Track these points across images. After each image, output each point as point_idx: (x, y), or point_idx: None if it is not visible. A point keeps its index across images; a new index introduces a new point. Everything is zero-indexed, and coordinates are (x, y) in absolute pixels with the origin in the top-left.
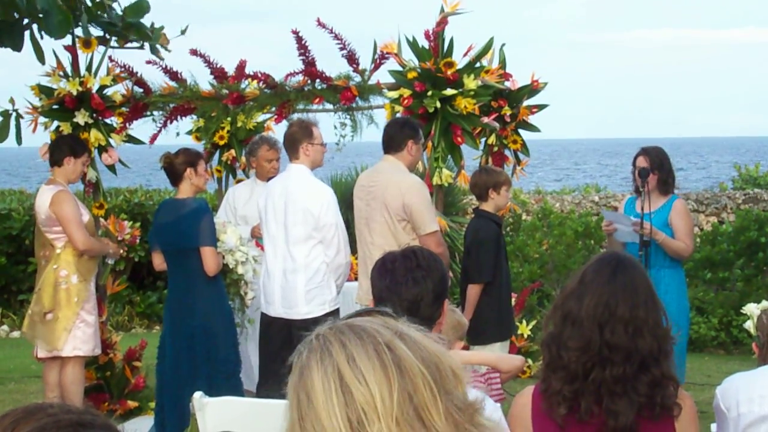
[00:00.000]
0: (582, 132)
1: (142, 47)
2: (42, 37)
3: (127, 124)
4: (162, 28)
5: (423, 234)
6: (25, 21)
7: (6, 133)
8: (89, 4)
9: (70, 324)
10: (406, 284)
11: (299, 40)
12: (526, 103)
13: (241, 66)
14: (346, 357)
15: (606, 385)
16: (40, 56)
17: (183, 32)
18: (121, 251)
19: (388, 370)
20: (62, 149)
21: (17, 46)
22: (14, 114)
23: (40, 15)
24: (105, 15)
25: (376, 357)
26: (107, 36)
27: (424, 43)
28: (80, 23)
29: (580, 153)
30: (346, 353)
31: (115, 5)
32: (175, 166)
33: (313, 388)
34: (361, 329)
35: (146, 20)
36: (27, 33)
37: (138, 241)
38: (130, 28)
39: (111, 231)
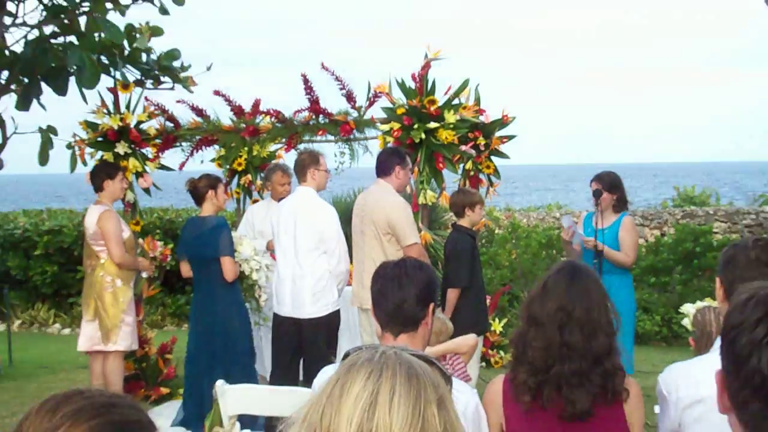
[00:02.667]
0: (545, 158)
1: (173, 88)
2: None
3: (160, 154)
4: (189, 66)
5: (405, 245)
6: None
7: (75, 164)
8: (128, 50)
9: (118, 321)
10: (391, 289)
11: (306, 82)
12: (497, 134)
13: (256, 104)
14: (390, 388)
15: (565, 377)
16: (84, 98)
17: (208, 69)
18: (153, 267)
19: (416, 421)
20: (99, 176)
21: (62, 92)
22: (75, 146)
23: (75, 68)
24: (143, 59)
25: (414, 405)
26: (143, 79)
27: (411, 83)
28: (117, 69)
29: (543, 178)
30: (392, 386)
31: (151, 50)
32: (198, 189)
33: (351, 387)
34: (417, 378)
35: (177, 63)
36: (73, 78)
37: (169, 258)
38: (163, 71)
39: (146, 250)
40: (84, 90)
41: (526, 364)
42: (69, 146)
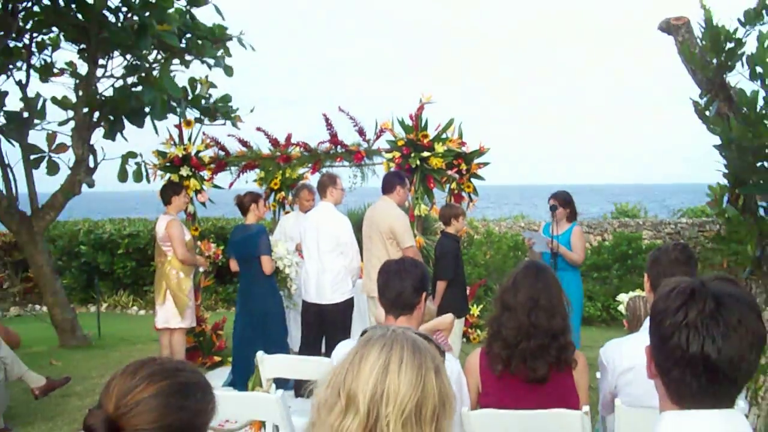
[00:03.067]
0: (513, 180)
1: (224, 125)
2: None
3: (214, 176)
4: (238, 108)
5: (404, 247)
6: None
7: (140, 178)
8: (191, 96)
9: (183, 305)
10: (393, 281)
11: (327, 120)
12: (476, 161)
13: (288, 137)
14: (399, 358)
15: (530, 351)
16: (156, 130)
17: (251, 111)
18: (208, 263)
19: (418, 384)
20: (168, 192)
21: (140, 125)
22: (143, 164)
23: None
24: (203, 102)
25: (417, 372)
26: (202, 117)
27: (408, 121)
28: (180, 110)
29: (511, 195)
30: (400, 356)
31: (210, 94)
32: (243, 203)
33: (368, 356)
34: (420, 351)
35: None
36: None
37: (220, 256)
38: (218, 111)
39: (202, 250)
40: (156, 123)
41: (500, 341)
42: (137, 163)
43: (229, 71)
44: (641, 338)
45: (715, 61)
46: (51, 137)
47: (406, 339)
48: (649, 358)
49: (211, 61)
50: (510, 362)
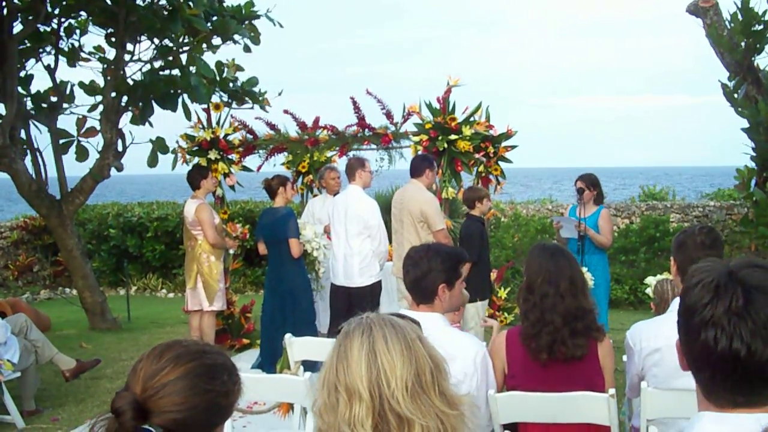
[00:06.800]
0: (540, 162)
1: (252, 108)
2: (192, 103)
3: (242, 159)
4: (266, 92)
5: (434, 230)
6: (178, 92)
7: (175, 164)
8: (218, 79)
9: (214, 288)
10: (411, 269)
11: (354, 103)
12: (503, 144)
13: (316, 120)
14: (382, 336)
15: (559, 330)
16: (188, 115)
17: (279, 94)
18: (237, 244)
19: (411, 356)
20: (195, 177)
21: (174, 109)
22: (177, 153)
23: (191, 88)
24: (230, 85)
25: (404, 344)
26: (230, 100)
27: (436, 105)
28: (216, 92)
29: (539, 177)
30: (383, 334)
31: (237, 76)
32: (271, 186)
33: (352, 344)
34: (399, 325)
35: (255, 88)
36: (180, 100)
37: (247, 236)
38: (245, 94)
39: (230, 232)
40: (192, 106)
41: (528, 323)
42: (173, 151)
43: (255, 40)
44: (667, 319)
45: (743, 43)
46: (81, 122)
47: (381, 319)
48: (680, 352)
49: (239, 38)
50: (540, 344)
